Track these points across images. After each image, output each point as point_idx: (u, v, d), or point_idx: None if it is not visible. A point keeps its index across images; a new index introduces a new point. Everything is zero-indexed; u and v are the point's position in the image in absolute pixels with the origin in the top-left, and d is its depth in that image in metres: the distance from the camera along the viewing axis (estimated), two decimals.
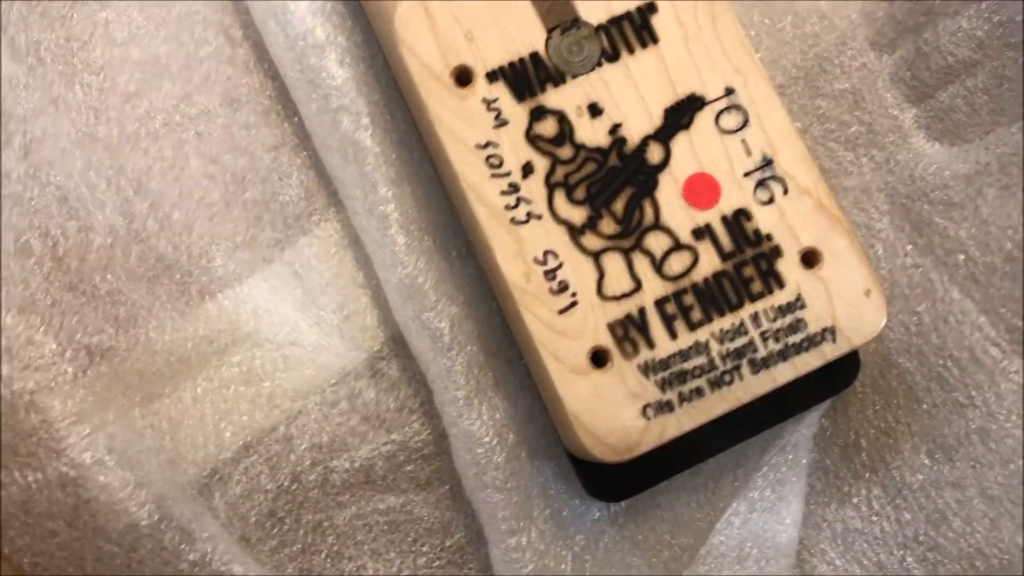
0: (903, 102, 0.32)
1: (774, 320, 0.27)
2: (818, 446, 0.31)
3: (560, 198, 0.27)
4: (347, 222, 0.31)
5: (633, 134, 0.28)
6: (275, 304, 0.31)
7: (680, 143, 0.28)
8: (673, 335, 0.27)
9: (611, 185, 0.28)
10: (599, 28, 0.28)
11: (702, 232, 0.27)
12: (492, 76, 0.28)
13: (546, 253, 0.27)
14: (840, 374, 0.30)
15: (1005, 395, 0.30)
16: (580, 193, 0.28)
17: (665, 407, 0.27)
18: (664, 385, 0.27)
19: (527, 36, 0.28)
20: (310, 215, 0.31)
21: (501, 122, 0.28)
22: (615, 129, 0.28)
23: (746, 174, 0.28)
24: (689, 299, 0.27)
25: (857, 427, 0.31)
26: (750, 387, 0.27)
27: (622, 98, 0.28)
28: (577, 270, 0.27)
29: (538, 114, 0.28)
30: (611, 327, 0.27)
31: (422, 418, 0.31)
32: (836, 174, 0.32)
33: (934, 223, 0.31)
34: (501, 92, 0.28)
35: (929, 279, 0.31)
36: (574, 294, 0.27)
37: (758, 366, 0.27)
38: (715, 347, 0.27)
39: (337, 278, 0.31)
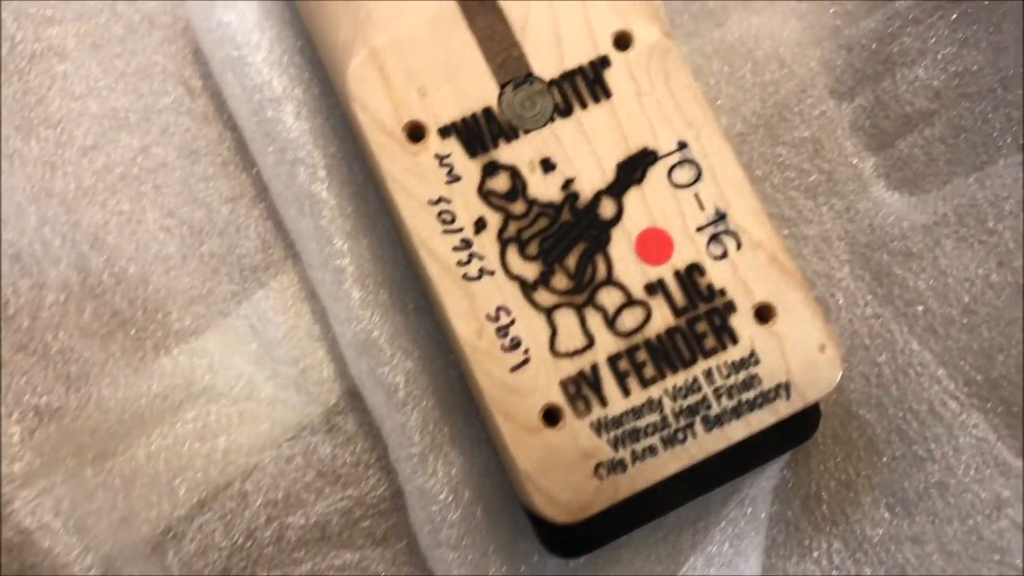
0: (863, 150, 0.32)
1: (727, 376, 0.27)
2: (779, 498, 0.31)
3: (513, 254, 0.27)
4: (304, 275, 0.31)
5: (586, 189, 0.28)
6: (231, 358, 0.30)
7: (633, 198, 0.28)
8: (626, 392, 0.27)
9: (564, 240, 0.27)
10: (552, 83, 0.28)
11: (655, 287, 0.27)
12: (445, 132, 0.28)
13: (498, 309, 0.27)
14: (800, 426, 0.29)
15: (963, 449, 0.30)
16: (533, 248, 0.27)
17: (618, 466, 0.26)
18: (617, 443, 0.27)
19: (480, 91, 0.28)
20: (267, 267, 0.31)
21: (453, 178, 0.27)
22: (568, 184, 0.28)
23: (699, 228, 0.28)
24: (642, 355, 0.27)
25: (818, 479, 0.31)
26: (704, 445, 0.27)
27: (575, 153, 0.28)
28: (530, 326, 0.27)
29: (491, 169, 0.28)
30: (564, 384, 0.27)
31: (379, 473, 0.30)
32: (796, 223, 0.32)
33: (893, 273, 0.31)
34: (454, 147, 0.28)
35: (889, 330, 0.31)
36: (526, 351, 0.27)
37: (711, 423, 0.27)
38: (668, 404, 0.27)
39: (294, 331, 0.31)
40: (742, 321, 0.27)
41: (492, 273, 0.27)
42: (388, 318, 0.29)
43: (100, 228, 0.31)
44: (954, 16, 0.31)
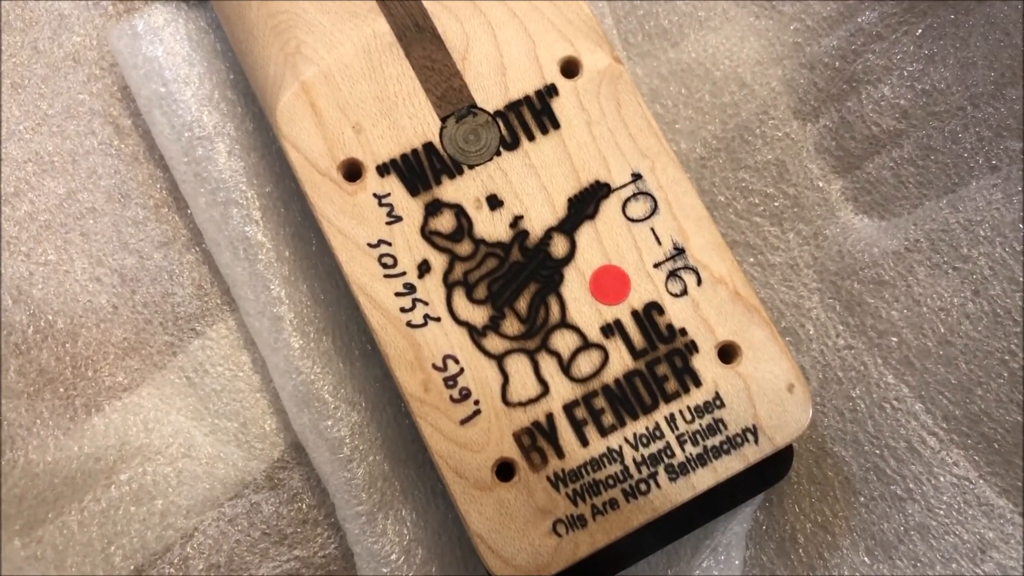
0: (829, 173, 0.30)
1: (691, 422, 0.25)
2: (753, 541, 0.29)
3: (460, 298, 0.26)
4: (243, 321, 0.29)
5: (536, 226, 0.26)
6: (167, 414, 0.29)
7: (586, 234, 0.26)
8: (584, 442, 0.25)
9: (514, 282, 0.26)
10: (496, 114, 0.26)
11: (611, 329, 0.26)
12: (383, 169, 0.26)
13: (446, 358, 0.25)
14: (772, 467, 0.28)
15: (944, 488, 0.28)
16: (481, 292, 0.26)
17: (577, 522, 0.25)
18: (576, 498, 0.25)
19: (420, 126, 0.26)
20: (203, 315, 0.29)
21: (394, 218, 0.26)
22: (516, 222, 0.26)
23: (656, 265, 0.26)
24: (600, 402, 0.25)
25: (793, 520, 0.29)
26: (668, 496, 0.25)
27: (523, 188, 0.26)
28: (480, 375, 0.25)
29: (434, 208, 0.26)
30: (517, 436, 0.25)
31: (327, 531, 0.29)
32: (762, 250, 0.31)
33: (865, 303, 0.29)
34: (394, 186, 0.26)
35: (863, 362, 0.29)
36: (477, 402, 0.25)
37: (676, 473, 0.25)
38: (629, 453, 0.25)
39: (233, 382, 0.29)
40: (705, 362, 0.26)
41: (438, 319, 0.25)
42: (331, 367, 0.28)
43: (24, 280, 0.29)
44: (919, 31, 0.29)
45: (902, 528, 0.28)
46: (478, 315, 0.26)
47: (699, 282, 0.26)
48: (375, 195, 0.26)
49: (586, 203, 0.26)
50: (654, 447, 0.25)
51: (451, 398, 0.25)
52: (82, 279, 0.29)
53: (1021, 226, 0.27)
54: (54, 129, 0.30)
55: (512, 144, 0.26)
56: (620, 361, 0.26)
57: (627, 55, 0.32)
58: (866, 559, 0.28)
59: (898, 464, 0.29)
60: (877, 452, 0.29)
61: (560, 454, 0.25)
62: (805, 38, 0.30)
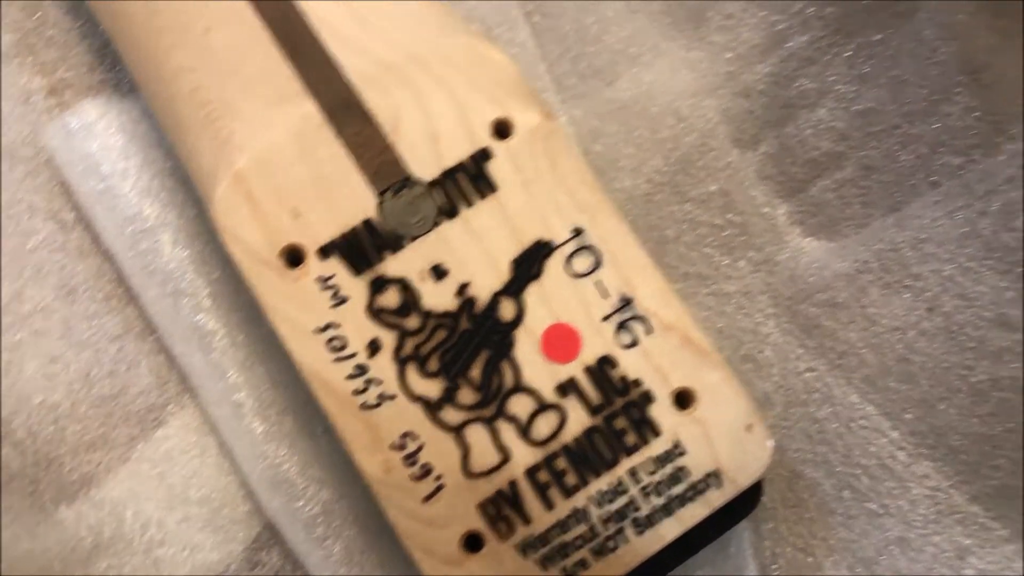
0: (774, 199, 0.30)
1: (653, 473, 0.25)
2: (735, 569, 0.29)
3: (413, 373, 0.26)
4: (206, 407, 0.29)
5: (482, 292, 0.26)
6: (138, 504, 0.29)
7: (532, 295, 0.26)
8: (549, 506, 0.25)
9: (465, 351, 0.26)
10: (433, 184, 0.26)
11: (567, 388, 0.26)
12: (325, 252, 0.26)
13: (404, 436, 0.25)
14: (741, 502, 0.28)
15: (919, 501, 0.28)
16: (433, 364, 0.26)
17: None
18: (545, 562, 0.25)
19: (357, 203, 0.26)
20: (165, 405, 0.29)
21: (339, 300, 0.26)
22: (462, 290, 0.26)
23: (605, 318, 0.26)
24: (561, 463, 0.25)
25: (773, 546, 0.29)
26: (637, 550, 0.25)
27: (466, 255, 0.26)
28: (439, 450, 0.25)
29: (379, 285, 0.26)
30: (482, 507, 0.25)
31: None
32: (715, 280, 0.31)
33: (822, 325, 0.29)
34: (336, 268, 0.26)
35: (826, 383, 0.29)
36: (439, 477, 0.25)
37: (642, 526, 0.25)
38: (595, 512, 0.25)
39: (201, 468, 0.29)
40: (662, 411, 0.26)
41: (392, 397, 0.25)
42: (297, 448, 0.28)
43: None
44: (849, 53, 0.29)
45: (882, 543, 0.29)
46: (433, 388, 0.26)
47: (649, 331, 0.26)
48: (318, 279, 0.26)
49: (530, 264, 0.26)
50: (619, 502, 0.25)
51: (412, 476, 0.25)
52: (36, 378, 0.29)
53: (967, 241, 0.27)
54: None
55: (451, 212, 0.26)
56: (578, 420, 0.26)
57: (563, 98, 0.31)
58: None
59: (871, 481, 0.29)
60: (849, 471, 0.29)
61: (526, 520, 0.25)
62: (738, 67, 0.30)
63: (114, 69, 0.31)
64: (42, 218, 0.30)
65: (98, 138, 0.29)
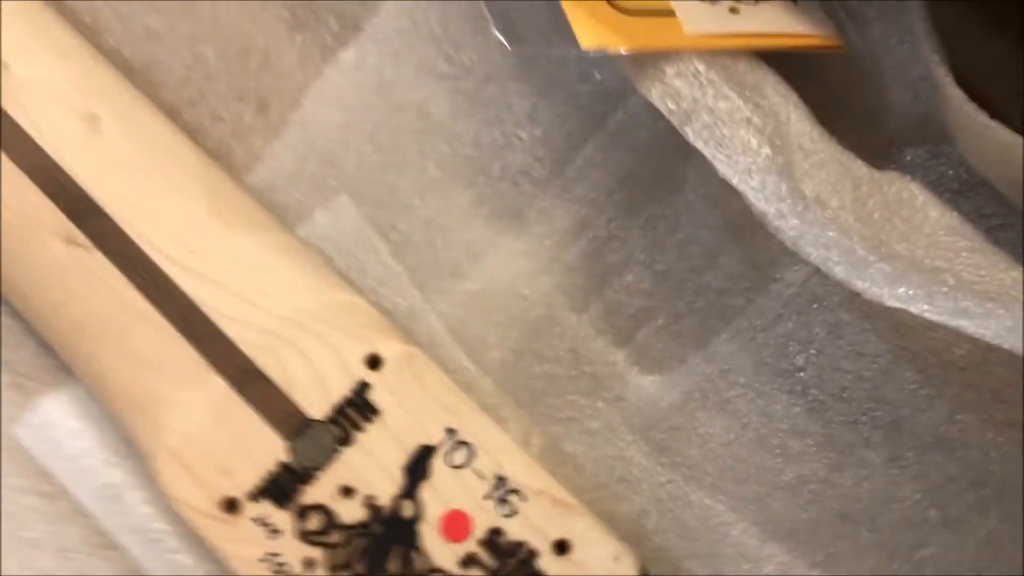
0: (611, 348, 0.37)
1: None
2: None
3: None
4: None
5: (385, 500, 0.32)
6: None
7: (425, 491, 0.32)
8: None
9: (382, 550, 0.32)
10: (328, 420, 0.33)
11: (469, 560, 0.32)
12: (254, 496, 0.32)
13: None
14: None
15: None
16: (361, 567, 0.32)
17: None
18: None
19: (271, 451, 0.33)
20: None
21: (274, 532, 0.32)
22: (369, 501, 0.32)
23: (486, 497, 0.33)
24: None
25: None
26: None
27: (366, 473, 0.33)
28: None
29: (303, 513, 0.32)
30: None
31: None
32: (580, 419, 0.37)
33: (670, 446, 0.36)
34: (266, 507, 0.32)
35: (684, 491, 0.36)
36: None
37: None
38: None
39: None
40: (547, 561, 0.32)
41: None
42: None
43: None
44: (641, 224, 0.36)
45: None
46: None
47: (523, 499, 0.33)
48: (254, 519, 0.32)
49: (418, 468, 0.33)
50: None
51: None
52: None
53: (759, 368, 0.34)
54: None
55: (346, 440, 0.33)
56: None
57: (426, 297, 0.38)
58: None
59: (734, 565, 0.35)
60: (716, 559, 0.36)
61: None
62: (558, 249, 0.37)
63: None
64: (27, 493, 0.36)
65: (59, 427, 0.35)
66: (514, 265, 0.38)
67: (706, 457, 0.35)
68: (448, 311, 0.38)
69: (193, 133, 0.38)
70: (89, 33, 0.38)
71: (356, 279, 0.38)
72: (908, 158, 0.34)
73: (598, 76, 0.36)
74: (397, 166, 0.38)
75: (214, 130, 0.38)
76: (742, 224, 0.34)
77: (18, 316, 0.38)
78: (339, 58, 0.38)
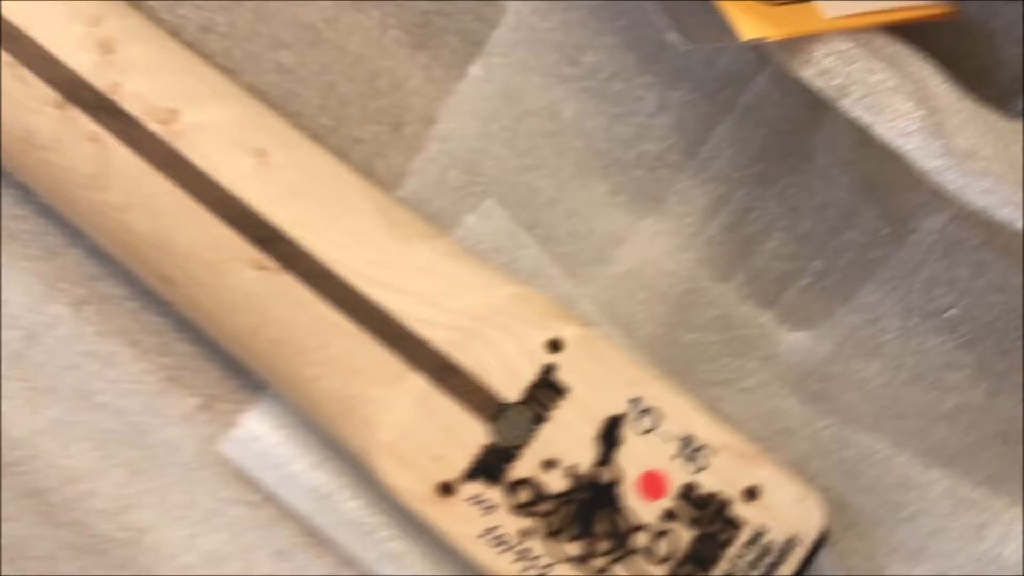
0: (758, 310, 0.40)
1: (744, 556, 0.35)
2: None
3: (559, 543, 0.35)
4: None
5: (585, 468, 0.35)
6: None
7: (621, 457, 0.35)
8: None
9: (589, 514, 0.35)
10: (521, 402, 0.36)
11: (668, 515, 0.35)
12: (466, 478, 0.35)
13: None
14: (813, 550, 0.37)
15: (938, 500, 0.38)
16: (572, 531, 0.35)
17: None
18: None
19: (476, 435, 0.35)
20: None
21: (489, 508, 0.35)
22: (571, 471, 0.35)
23: (675, 456, 0.36)
24: (686, 569, 0.35)
25: (845, 561, 0.39)
26: None
27: (564, 446, 0.35)
28: None
29: (513, 488, 0.35)
30: None
31: None
32: (737, 380, 0.40)
33: (826, 394, 0.39)
34: (478, 486, 0.35)
35: (843, 433, 0.39)
36: None
37: None
38: None
39: None
40: (739, 509, 0.35)
41: (550, 565, 0.35)
42: None
43: None
44: (778, 192, 0.39)
45: (921, 537, 0.38)
46: (577, 548, 0.35)
47: (711, 455, 0.36)
48: (469, 499, 0.35)
49: (610, 436, 0.36)
50: None
51: None
52: None
53: (908, 314, 0.37)
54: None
55: (541, 418, 0.36)
56: (684, 535, 0.35)
57: (576, 284, 0.41)
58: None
59: (898, 496, 0.38)
60: (878, 492, 0.39)
61: None
62: (699, 226, 0.40)
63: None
64: (235, 503, 0.40)
65: (264, 439, 0.38)
66: (657, 245, 0.41)
67: (863, 399, 0.38)
68: (598, 294, 0.41)
69: (339, 157, 0.41)
70: (229, 75, 0.41)
71: (511, 274, 0.41)
72: (1020, 107, 0.37)
73: (686, 48, 0.38)
74: (535, 167, 0.41)
75: (356, 152, 0.41)
76: (875, 184, 0.37)
77: (196, 343, 0.41)
78: (467, 73, 0.41)
